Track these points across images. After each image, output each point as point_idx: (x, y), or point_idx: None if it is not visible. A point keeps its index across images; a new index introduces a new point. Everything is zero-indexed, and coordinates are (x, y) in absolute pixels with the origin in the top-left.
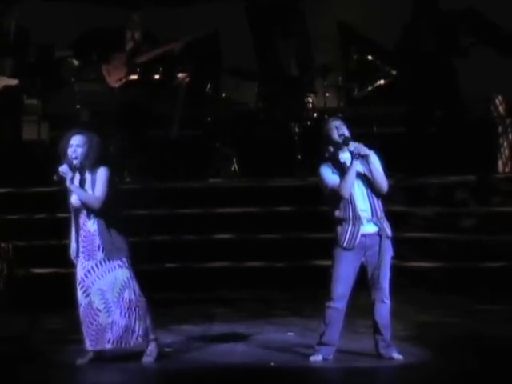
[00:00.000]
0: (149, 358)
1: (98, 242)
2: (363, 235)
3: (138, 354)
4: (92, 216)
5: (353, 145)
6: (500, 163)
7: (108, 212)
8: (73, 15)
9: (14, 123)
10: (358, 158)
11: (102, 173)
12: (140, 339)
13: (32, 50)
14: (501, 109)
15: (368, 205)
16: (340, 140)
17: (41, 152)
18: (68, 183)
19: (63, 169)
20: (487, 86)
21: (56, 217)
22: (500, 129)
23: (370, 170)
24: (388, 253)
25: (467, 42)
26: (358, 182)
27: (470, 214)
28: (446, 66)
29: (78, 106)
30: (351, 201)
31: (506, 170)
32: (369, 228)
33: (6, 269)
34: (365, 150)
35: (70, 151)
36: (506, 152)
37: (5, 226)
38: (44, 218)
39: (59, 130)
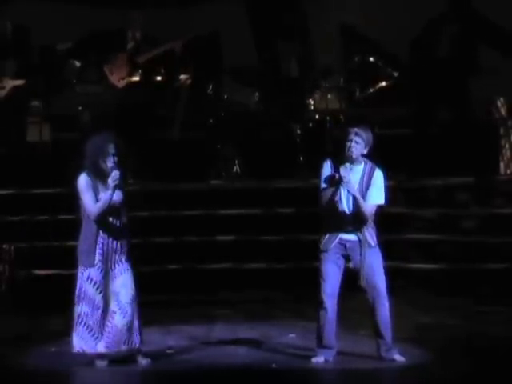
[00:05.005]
0: (147, 360)
1: (116, 243)
2: (341, 239)
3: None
4: (117, 218)
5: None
6: (501, 165)
7: (125, 214)
8: (73, 16)
9: (18, 125)
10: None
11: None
12: (141, 340)
13: (33, 51)
14: (502, 110)
15: (351, 214)
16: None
17: (43, 153)
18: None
19: (116, 175)
20: (489, 88)
21: (58, 218)
22: (501, 130)
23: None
24: (376, 260)
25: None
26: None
27: (472, 215)
28: (459, 70)
29: (80, 108)
30: (337, 204)
31: (508, 171)
32: (348, 236)
33: (8, 270)
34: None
35: (109, 160)
36: (508, 154)
37: (7, 228)
38: (46, 220)
39: (61, 131)
